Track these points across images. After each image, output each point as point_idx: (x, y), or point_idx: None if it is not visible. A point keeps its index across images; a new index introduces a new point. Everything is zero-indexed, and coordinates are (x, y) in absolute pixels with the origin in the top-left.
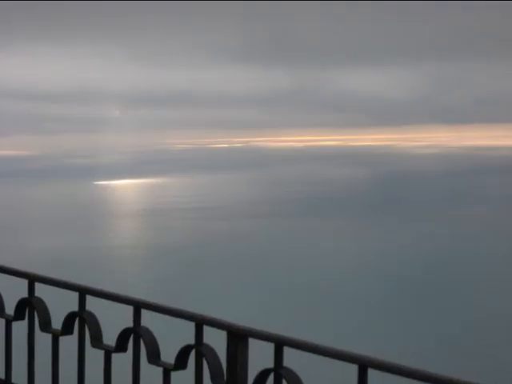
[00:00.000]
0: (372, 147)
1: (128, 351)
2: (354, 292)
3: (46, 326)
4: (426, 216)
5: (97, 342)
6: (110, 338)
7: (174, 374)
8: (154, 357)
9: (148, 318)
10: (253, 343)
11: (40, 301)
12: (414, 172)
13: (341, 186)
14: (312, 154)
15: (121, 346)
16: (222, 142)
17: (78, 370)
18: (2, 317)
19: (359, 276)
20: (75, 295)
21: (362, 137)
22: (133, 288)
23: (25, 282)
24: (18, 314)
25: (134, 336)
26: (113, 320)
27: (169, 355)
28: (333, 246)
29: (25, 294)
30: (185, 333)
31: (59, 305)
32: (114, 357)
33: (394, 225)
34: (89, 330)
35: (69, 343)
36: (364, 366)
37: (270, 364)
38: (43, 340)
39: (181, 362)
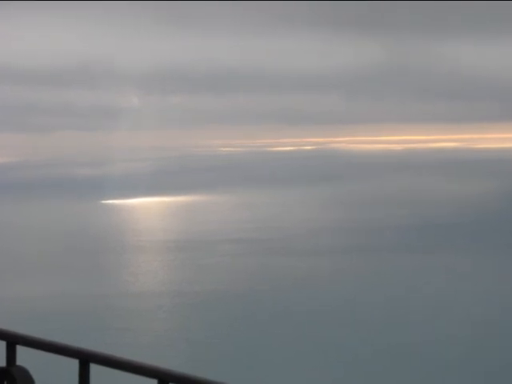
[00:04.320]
0: (504, 150)
1: None
2: (481, 357)
3: None
4: None
5: None
6: None
7: None
8: None
9: None
10: None
11: (23, 371)
12: None
13: (460, 206)
14: (417, 160)
15: None
16: (287, 143)
17: None
18: None
19: (491, 335)
20: (75, 363)
21: (490, 135)
22: (157, 354)
23: (2, 345)
24: None
25: None
26: None
27: None
28: (451, 292)
29: (2, 362)
30: None
31: (51, 376)
32: None
33: None
34: None
35: None
36: None
37: None
38: None
39: None
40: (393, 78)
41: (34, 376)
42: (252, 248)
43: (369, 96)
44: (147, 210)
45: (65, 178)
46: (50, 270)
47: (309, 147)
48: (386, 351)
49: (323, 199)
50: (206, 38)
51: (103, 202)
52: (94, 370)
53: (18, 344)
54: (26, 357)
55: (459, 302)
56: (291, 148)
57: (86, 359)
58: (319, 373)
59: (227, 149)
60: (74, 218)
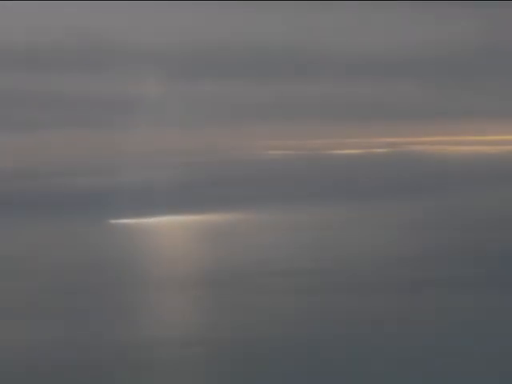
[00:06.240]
0: None
1: None
2: None
3: None
4: None
5: None
6: None
7: None
8: None
9: None
10: None
11: None
12: None
13: None
14: None
15: None
16: (353, 144)
17: None
18: None
19: None
20: None
21: None
22: None
23: None
24: None
25: None
26: None
27: None
28: None
29: None
30: None
31: None
32: None
33: None
34: None
35: None
36: None
37: None
38: None
39: None
40: (487, 61)
41: None
42: (302, 282)
43: (457, 85)
44: (169, 232)
45: (62, 191)
46: (45, 311)
47: (380, 150)
48: None
49: (398, 218)
50: (248, 8)
51: (113, 221)
52: None
53: None
54: None
55: None
56: (358, 151)
57: None
58: None
59: (275, 152)
60: (76, 243)
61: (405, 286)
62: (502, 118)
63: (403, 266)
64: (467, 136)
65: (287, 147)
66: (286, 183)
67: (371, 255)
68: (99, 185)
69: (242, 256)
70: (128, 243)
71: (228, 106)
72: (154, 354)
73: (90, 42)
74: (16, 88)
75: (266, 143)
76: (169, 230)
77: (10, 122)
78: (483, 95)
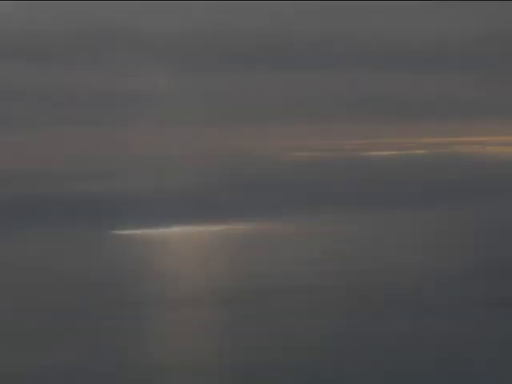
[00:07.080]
0: None
1: None
2: None
3: None
4: None
5: None
6: None
7: None
8: None
9: None
10: None
11: None
12: None
13: None
14: None
15: None
16: (388, 145)
17: None
18: None
19: None
20: None
21: None
22: None
23: None
24: None
25: None
26: None
27: None
28: None
29: None
30: None
31: None
32: None
33: None
34: None
35: None
36: None
37: None
38: None
39: None
40: None
41: None
42: (330, 300)
43: (506, 82)
44: (181, 244)
45: (59, 197)
46: (39, 335)
47: (420, 151)
48: None
49: (442, 228)
50: None
51: (117, 232)
52: None
53: None
54: None
55: None
56: (394, 152)
57: None
58: None
59: (300, 153)
60: (75, 256)
61: (452, 303)
62: None
63: (446, 282)
64: None
65: (315, 148)
66: (313, 188)
67: (411, 269)
68: (102, 190)
69: (260, 269)
70: (134, 257)
71: (248, 102)
72: (160, 381)
73: (95, 34)
74: (8, 82)
75: (291, 143)
76: (180, 241)
77: (6, 120)
78: None
